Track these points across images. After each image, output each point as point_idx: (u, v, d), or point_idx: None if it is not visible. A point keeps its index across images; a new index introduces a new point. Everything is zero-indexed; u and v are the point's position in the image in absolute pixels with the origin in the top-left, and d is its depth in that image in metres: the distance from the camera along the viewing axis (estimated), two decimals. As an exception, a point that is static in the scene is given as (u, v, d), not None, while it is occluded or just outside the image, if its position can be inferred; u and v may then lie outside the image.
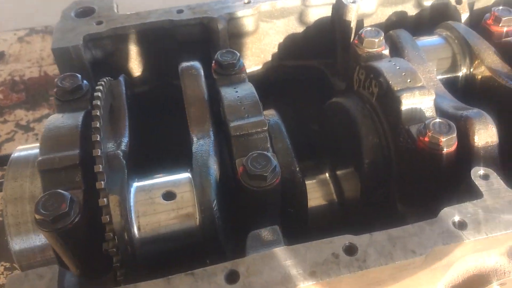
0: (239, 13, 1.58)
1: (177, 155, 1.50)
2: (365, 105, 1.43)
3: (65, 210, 0.99)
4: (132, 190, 1.13)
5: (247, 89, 1.30)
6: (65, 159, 1.09)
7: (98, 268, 1.13)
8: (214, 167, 1.14)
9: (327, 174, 1.64)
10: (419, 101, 1.24)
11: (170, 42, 1.62)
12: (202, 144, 1.20)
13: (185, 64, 1.37)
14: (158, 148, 1.54)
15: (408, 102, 1.24)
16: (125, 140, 1.24)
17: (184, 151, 1.46)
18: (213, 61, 1.42)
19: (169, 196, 1.11)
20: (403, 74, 1.30)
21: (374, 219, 1.42)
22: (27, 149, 1.29)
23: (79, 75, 1.32)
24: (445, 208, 0.96)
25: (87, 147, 1.18)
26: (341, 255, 0.89)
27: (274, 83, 1.88)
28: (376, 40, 1.44)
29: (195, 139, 1.22)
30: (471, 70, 1.51)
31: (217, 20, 1.55)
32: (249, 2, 1.60)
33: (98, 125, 1.12)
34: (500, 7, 1.55)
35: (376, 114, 1.38)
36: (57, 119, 1.21)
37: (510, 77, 1.40)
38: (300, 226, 1.36)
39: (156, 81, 1.75)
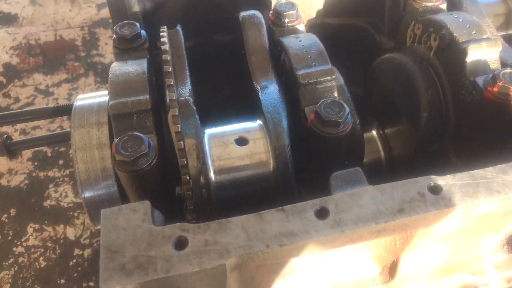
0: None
1: (226, 108, 1.51)
2: (421, 59, 1.42)
3: (144, 151, 1.00)
4: (205, 135, 1.13)
5: (310, 39, 1.29)
6: (137, 104, 1.10)
7: (165, 213, 1.14)
8: (284, 114, 1.14)
9: (373, 132, 1.65)
10: (486, 53, 1.24)
11: (218, -4, 1.60)
12: (269, 92, 1.20)
13: (245, 13, 1.36)
14: (209, 100, 1.54)
15: (474, 54, 1.24)
16: (188, 87, 1.24)
17: (235, 103, 1.46)
18: (271, 12, 1.40)
19: (242, 141, 1.11)
20: (468, 26, 1.29)
21: (425, 171, 1.43)
22: (88, 97, 1.29)
23: (137, 23, 1.31)
24: (525, 153, 0.97)
25: (154, 94, 1.18)
26: (427, 194, 0.91)
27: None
28: (435, -7, 1.42)
29: (260, 88, 1.22)
30: (527, 26, 1.50)
31: (270, -28, 1.52)
32: (301, -46, 1.57)
33: (170, 70, 1.11)
34: (559, -37, 1.52)
35: (433, 68, 1.38)
36: (122, 65, 1.20)
37: None
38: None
39: (200, 36, 1.73)
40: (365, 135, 1.67)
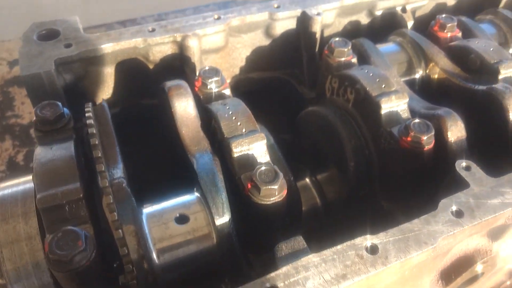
0: (211, 29, 1.60)
1: (165, 175, 1.49)
2: (342, 111, 1.53)
3: (82, 247, 0.95)
4: (143, 217, 1.11)
5: (237, 104, 1.33)
6: (68, 194, 1.05)
7: (112, 302, 1.09)
8: (222, 185, 1.16)
9: (307, 180, 1.72)
10: (396, 104, 1.37)
11: (142, 61, 1.60)
12: (204, 163, 1.21)
13: (170, 83, 1.37)
14: (142, 170, 1.51)
15: (387, 106, 1.36)
16: (120, 166, 1.21)
17: (174, 171, 1.45)
18: (196, 79, 1.42)
19: (182, 219, 1.10)
20: (377, 80, 1.42)
21: (359, 216, 1.52)
22: (10, 186, 1.20)
23: (59, 103, 1.26)
24: (442, 200, 1.08)
25: (85, 178, 1.14)
26: (365, 255, 0.97)
27: (242, 95, 1.92)
28: (345, 49, 1.55)
29: (194, 159, 1.23)
30: (427, 71, 1.68)
31: (191, 37, 1.56)
32: (219, 18, 1.63)
33: (100, 154, 1.08)
34: (443, 15, 1.74)
35: (353, 119, 1.49)
36: (47, 152, 1.14)
37: (462, 77, 1.58)
38: (296, 233, 1.42)
39: (126, 101, 1.71)
40: (299, 183, 1.74)
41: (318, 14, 1.69)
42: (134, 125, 1.68)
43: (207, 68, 1.42)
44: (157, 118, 1.57)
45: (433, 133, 1.27)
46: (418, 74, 1.71)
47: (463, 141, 1.34)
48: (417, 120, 1.29)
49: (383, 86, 1.40)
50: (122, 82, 1.64)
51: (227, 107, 1.32)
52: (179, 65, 1.63)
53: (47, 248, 0.94)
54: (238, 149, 1.21)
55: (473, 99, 1.50)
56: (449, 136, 1.32)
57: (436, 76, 1.68)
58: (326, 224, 1.68)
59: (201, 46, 1.62)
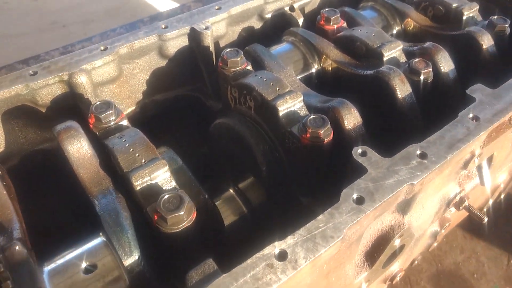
0: (99, 62, 1.55)
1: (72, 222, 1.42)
2: (247, 118, 1.54)
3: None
4: (45, 276, 1.04)
5: (133, 135, 1.29)
6: (-47, 272, 0.95)
7: None
8: (127, 223, 1.12)
9: (231, 190, 1.71)
10: (292, 104, 1.39)
11: (31, 106, 1.51)
12: (107, 203, 1.16)
13: (60, 127, 1.30)
14: (50, 221, 1.43)
15: (283, 108, 1.38)
16: (17, 226, 1.13)
17: (80, 216, 1.38)
18: (89, 116, 1.37)
19: (89, 269, 1.05)
20: (271, 84, 1.44)
21: (284, 216, 1.54)
22: None
23: None
24: (343, 190, 1.11)
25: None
26: (275, 263, 0.97)
27: (152, 119, 1.88)
28: (238, 59, 1.56)
29: (96, 200, 1.17)
30: (321, 65, 1.74)
31: (78, 73, 1.49)
32: (106, 49, 1.58)
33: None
34: (327, 9, 1.81)
35: (258, 124, 1.50)
36: None
37: (352, 65, 1.66)
38: (221, 249, 1.41)
39: (23, 150, 1.61)
40: (224, 195, 1.74)
41: (207, 28, 1.69)
42: (39, 174, 1.59)
43: (98, 103, 1.37)
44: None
45: (329, 125, 1.31)
46: (314, 68, 1.76)
47: (361, 127, 1.39)
48: (312, 116, 1.32)
49: (278, 89, 1.43)
50: (15, 131, 1.54)
51: (124, 140, 1.28)
52: (73, 104, 1.56)
53: None
54: (140, 182, 1.17)
55: (364, 84, 1.57)
56: (346, 124, 1.37)
57: (330, 68, 1.73)
58: (254, 231, 1.68)
59: (92, 80, 1.56)
